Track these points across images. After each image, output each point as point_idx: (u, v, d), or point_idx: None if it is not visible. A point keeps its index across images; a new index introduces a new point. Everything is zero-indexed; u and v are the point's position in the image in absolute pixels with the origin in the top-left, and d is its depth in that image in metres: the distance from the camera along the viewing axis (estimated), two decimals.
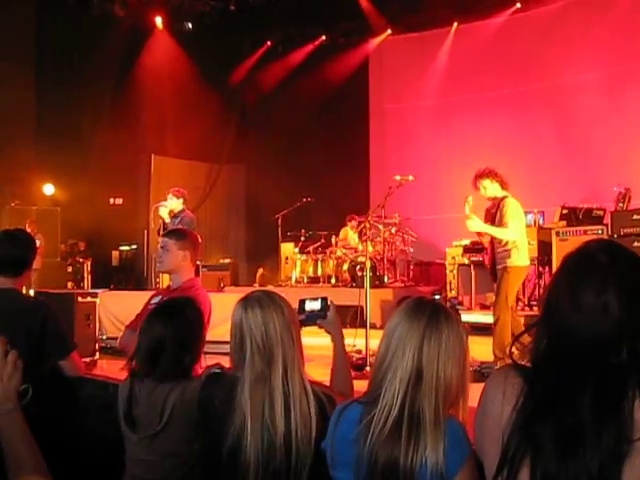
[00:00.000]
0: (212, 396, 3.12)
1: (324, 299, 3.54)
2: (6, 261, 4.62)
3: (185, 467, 3.47)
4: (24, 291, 5.27)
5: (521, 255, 7.38)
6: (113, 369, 3.57)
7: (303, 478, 2.89)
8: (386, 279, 13.78)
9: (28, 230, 14.86)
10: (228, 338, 3.18)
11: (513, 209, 7.36)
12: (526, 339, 2.04)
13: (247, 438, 2.90)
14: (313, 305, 3.46)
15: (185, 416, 3.39)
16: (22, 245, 4.74)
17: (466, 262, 12.01)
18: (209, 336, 4.14)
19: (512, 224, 7.30)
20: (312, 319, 3.47)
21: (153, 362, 3.49)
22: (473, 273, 11.67)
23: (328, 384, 3.37)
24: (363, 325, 7.57)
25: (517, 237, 7.32)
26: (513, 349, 2.17)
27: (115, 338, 3.74)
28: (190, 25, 17.66)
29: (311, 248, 15.24)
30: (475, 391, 2.43)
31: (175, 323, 3.54)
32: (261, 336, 2.98)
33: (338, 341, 3.50)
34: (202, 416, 3.21)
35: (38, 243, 14.96)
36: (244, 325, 3.03)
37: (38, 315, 4.56)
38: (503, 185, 7.53)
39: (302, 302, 3.52)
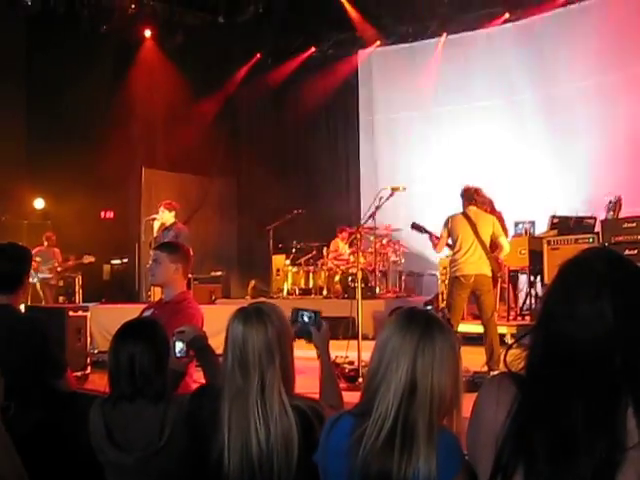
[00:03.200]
0: (200, 408, 3.11)
1: (317, 313, 3.54)
2: (2, 277, 4.57)
3: None
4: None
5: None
6: (104, 383, 3.55)
7: None
8: (378, 290, 13.80)
9: (45, 243, 14.88)
10: (220, 350, 3.17)
11: None
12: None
13: (227, 452, 2.89)
14: (306, 317, 3.46)
15: (186, 433, 3.36)
16: (15, 260, 4.68)
17: None
18: None
19: None
20: (303, 332, 3.48)
21: (133, 382, 3.45)
22: None
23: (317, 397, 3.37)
24: (355, 336, 7.59)
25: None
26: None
27: (106, 352, 3.73)
28: (180, 37, 17.64)
29: (302, 260, 15.25)
30: (468, 401, 2.43)
31: (148, 342, 3.51)
32: (240, 350, 2.97)
33: (324, 356, 3.52)
34: (190, 427, 3.19)
35: (55, 257, 14.99)
36: (229, 337, 3.04)
37: (36, 334, 4.52)
38: (464, 201, 8.27)
39: (296, 312, 3.52)
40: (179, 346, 3.79)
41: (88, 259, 14.96)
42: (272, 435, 2.88)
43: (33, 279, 14.66)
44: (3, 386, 2.22)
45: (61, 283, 15.53)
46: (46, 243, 15.08)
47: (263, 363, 2.94)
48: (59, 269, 15.07)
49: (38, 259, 14.73)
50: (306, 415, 2.92)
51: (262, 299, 14.36)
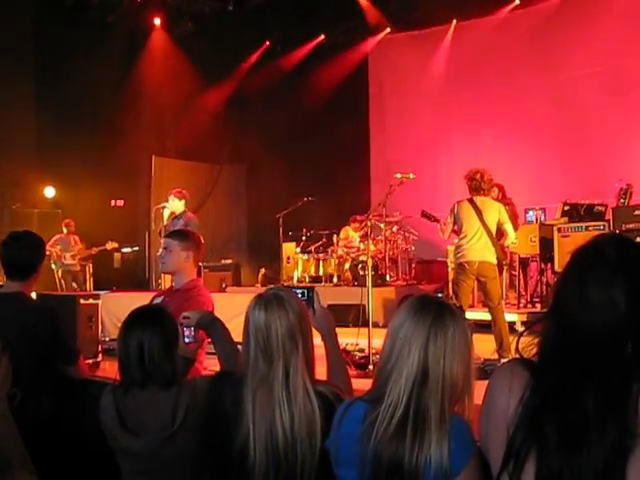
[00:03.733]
0: (222, 395, 3.09)
1: (310, 289, 3.47)
2: (14, 265, 4.58)
3: (194, 468, 3.44)
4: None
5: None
6: (115, 370, 3.55)
7: None
8: (388, 278, 13.79)
9: (64, 230, 14.88)
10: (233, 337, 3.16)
11: None
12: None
13: (253, 441, 2.89)
14: (299, 294, 3.33)
15: (198, 416, 3.37)
16: (30, 248, 4.69)
17: None
18: None
19: None
20: None
21: (143, 369, 3.46)
22: None
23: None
24: (365, 324, 7.59)
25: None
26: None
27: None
28: (190, 25, 17.61)
29: (313, 247, 15.25)
30: (478, 388, 2.43)
31: (156, 328, 3.52)
32: (262, 338, 2.95)
33: (329, 340, 3.45)
34: (212, 416, 3.19)
35: (76, 244, 14.96)
36: (250, 324, 3.01)
37: (47, 322, 4.54)
38: (470, 191, 8.19)
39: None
40: (186, 332, 3.81)
41: (111, 245, 14.94)
42: (296, 421, 2.88)
43: (56, 267, 14.70)
44: (10, 374, 2.22)
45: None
46: (65, 230, 15.07)
47: (287, 349, 2.93)
48: (80, 256, 15.03)
49: (59, 247, 14.74)
50: (329, 401, 2.90)
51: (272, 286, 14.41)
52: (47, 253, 13.86)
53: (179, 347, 3.65)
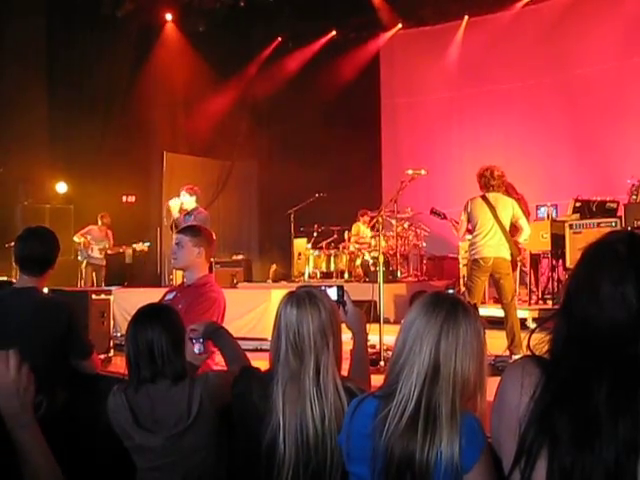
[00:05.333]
0: (250, 391, 3.12)
1: (340, 288, 3.49)
2: (30, 260, 4.59)
3: (211, 459, 3.49)
4: None
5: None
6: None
7: (337, 478, 2.90)
8: (399, 274, 13.79)
9: (99, 222, 14.85)
10: (242, 334, 3.19)
11: None
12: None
13: (283, 435, 2.92)
14: (329, 294, 3.35)
15: (212, 408, 3.42)
16: (47, 244, 4.70)
17: None
18: None
19: None
20: None
21: (154, 366, 3.47)
22: None
23: None
24: (376, 320, 7.58)
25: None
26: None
27: None
28: (201, 21, 17.64)
29: (324, 243, 15.26)
30: (490, 385, 2.44)
31: (164, 325, 3.53)
32: (294, 335, 2.98)
33: (360, 337, 3.49)
34: (238, 410, 3.22)
35: (107, 238, 14.92)
36: (281, 322, 3.04)
37: (62, 316, 4.56)
38: (481, 188, 8.12)
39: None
40: (196, 345, 3.85)
41: (141, 247, 14.88)
42: (327, 417, 2.92)
43: (81, 257, 14.68)
44: (33, 384, 2.23)
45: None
46: (100, 222, 15.00)
47: (318, 346, 2.97)
48: (109, 251, 14.97)
49: (89, 237, 14.70)
50: (356, 397, 2.93)
51: (283, 282, 14.42)
52: (77, 241, 13.98)
53: (189, 355, 3.67)
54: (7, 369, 2.15)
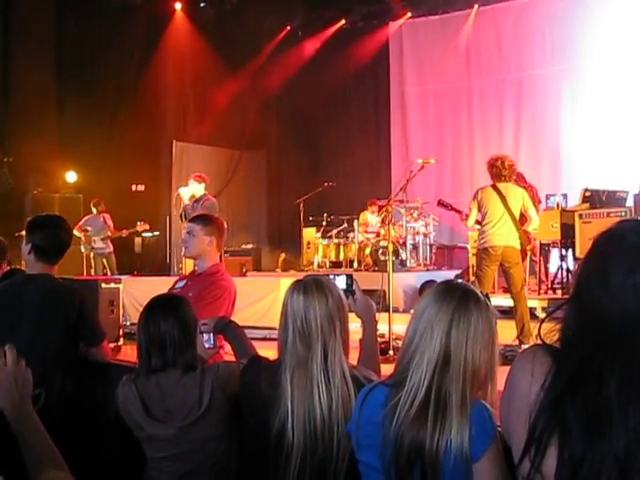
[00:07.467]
0: (258, 379, 3.13)
1: (349, 276, 3.48)
2: (45, 247, 4.60)
3: (221, 448, 3.50)
4: None
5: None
6: (136, 354, 3.59)
7: (343, 466, 2.91)
8: (408, 263, 13.77)
9: (94, 210, 14.74)
10: (251, 323, 3.20)
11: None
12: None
13: (291, 422, 2.93)
14: (338, 283, 3.33)
15: (223, 396, 3.43)
16: (62, 232, 4.72)
17: None
18: None
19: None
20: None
21: (165, 355, 3.48)
22: None
23: None
24: (386, 309, 7.59)
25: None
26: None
27: None
28: (210, 10, 17.62)
29: (333, 232, 15.24)
30: (499, 374, 2.44)
31: (177, 315, 3.54)
32: (301, 321, 2.99)
33: (370, 327, 3.48)
34: (247, 399, 3.23)
35: (106, 223, 14.82)
36: (288, 309, 3.05)
37: (75, 302, 4.57)
38: (492, 177, 8.05)
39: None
40: (207, 338, 3.88)
41: (142, 227, 14.74)
42: (334, 404, 2.93)
43: (86, 250, 14.63)
44: (30, 376, 2.28)
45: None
46: (94, 210, 14.84)
47: (325, 333, 2.98)
48: (110, 236, 14.74)
49: (89, 228, 14.59)
50: (362, 386, 2.93)
51: (292, 272, 14.42)
52: (77, 235, 13.87)
53: (199, 349, 3.68)
54: (5, 362, 2.19)
